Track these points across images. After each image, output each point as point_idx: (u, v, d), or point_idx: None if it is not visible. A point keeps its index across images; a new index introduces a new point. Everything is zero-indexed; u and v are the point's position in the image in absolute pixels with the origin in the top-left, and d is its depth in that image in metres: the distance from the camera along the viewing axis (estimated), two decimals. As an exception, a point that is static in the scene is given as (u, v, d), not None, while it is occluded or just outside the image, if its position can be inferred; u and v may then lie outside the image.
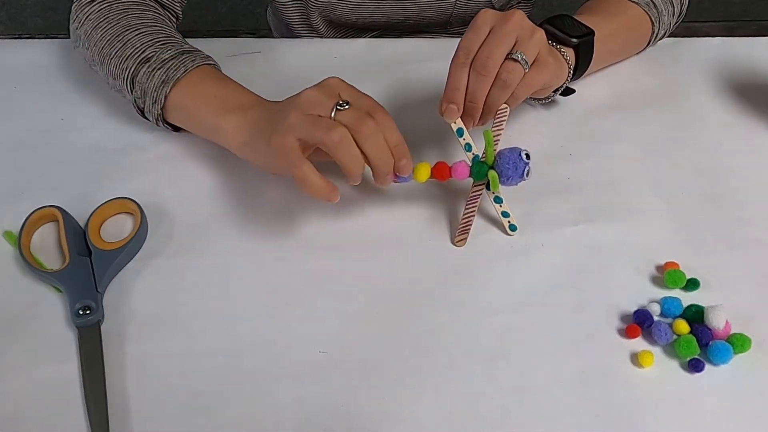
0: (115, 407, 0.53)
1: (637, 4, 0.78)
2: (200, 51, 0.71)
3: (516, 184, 0.63)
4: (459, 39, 0.63)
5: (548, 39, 0.68)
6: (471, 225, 0.64)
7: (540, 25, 0.70)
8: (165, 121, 0.70)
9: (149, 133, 0.73)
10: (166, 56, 0.68)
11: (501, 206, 0.65)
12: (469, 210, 0.64)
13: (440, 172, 0.63)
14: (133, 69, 0.68)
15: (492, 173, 0.62)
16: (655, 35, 0.81)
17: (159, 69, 0.67)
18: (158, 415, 0.53)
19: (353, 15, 0.90)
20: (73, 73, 0.81)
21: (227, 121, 0.65)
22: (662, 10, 0.80)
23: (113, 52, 0.70)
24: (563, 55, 0.70)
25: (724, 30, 2.09)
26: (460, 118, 0.63)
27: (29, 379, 0.55)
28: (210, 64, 0.70)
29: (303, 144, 0.58)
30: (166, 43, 0.69)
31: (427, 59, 0.82)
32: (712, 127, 0.76)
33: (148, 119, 0.71)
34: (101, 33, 0.71)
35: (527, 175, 0.62)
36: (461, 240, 0.64)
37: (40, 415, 0.53)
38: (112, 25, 0.71)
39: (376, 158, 0.58)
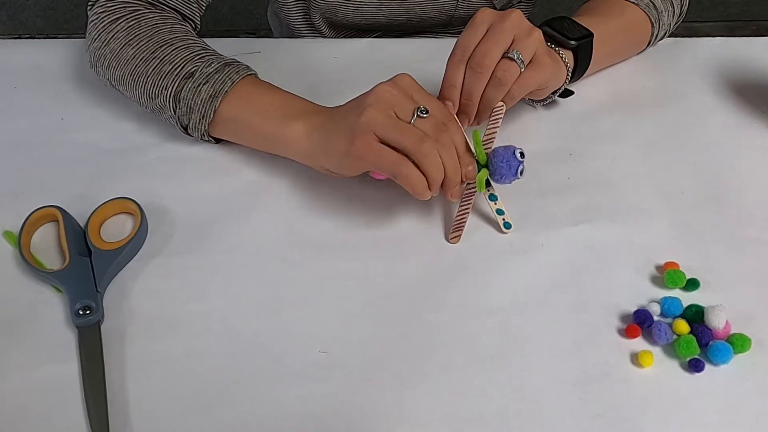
0: (115, 407, 0.53)
1: (636, 5, 0.78)
2: (240, 62, 0.70)
3: (510, 183, 0.63)
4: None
5: (547, 41, 0.68)
6: (465, 222, 0.64)
7: (539, 27, 0.70)
8: (209, 135, 0.70)
9: (149, 134, 0.73)
10: (210, 70, 0.67)
11: (496, 204, 0.65)
12: (464, 207, 0.64)
13: None
14: (175, 86, 0.67)
15: (482, 173, 0.62)
16: (654, 36, 0.81)
17: (205, 84, 0.66)
18: (158, 415, 0.53)
19: (356, 16, 0.90)
20: (73, 73, 0.81)
21: (291, 128, 0.64)
22: (662, 11, 0.80)
23: (149, 71, 0.68)
24: (561, 57, 0.70)
25: (723, 30, 2.09)
26: (455, 116, 0.63)
27: (29, 379, 0.55)
28: (253, 74, 0.69)
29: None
30: (205, 57, 0.68)
31: (429, 59, 0.82)
32: (712, 127, 0.76)
33: (191, 135, 0.70)
34: (134, 51, 0.69)
35: (521, 173, 0.62)
36: (455, 237, 0.64)
37: (40, 415, 0.53)
38: (145, 41, 0.69)
39: (451, 169, 0.59)
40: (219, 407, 0.53)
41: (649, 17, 0.79)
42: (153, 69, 0.68)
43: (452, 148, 0.59)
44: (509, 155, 0.62)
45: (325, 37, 0.95)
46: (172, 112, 0.68)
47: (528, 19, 0.64)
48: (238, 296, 0.60)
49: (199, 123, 0.68)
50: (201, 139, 0.70)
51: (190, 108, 0.67)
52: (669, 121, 0.76)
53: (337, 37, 0.95)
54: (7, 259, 0.63)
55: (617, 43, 0.79)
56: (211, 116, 0.67)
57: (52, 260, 0.63)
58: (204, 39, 0.77)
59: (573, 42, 0.71)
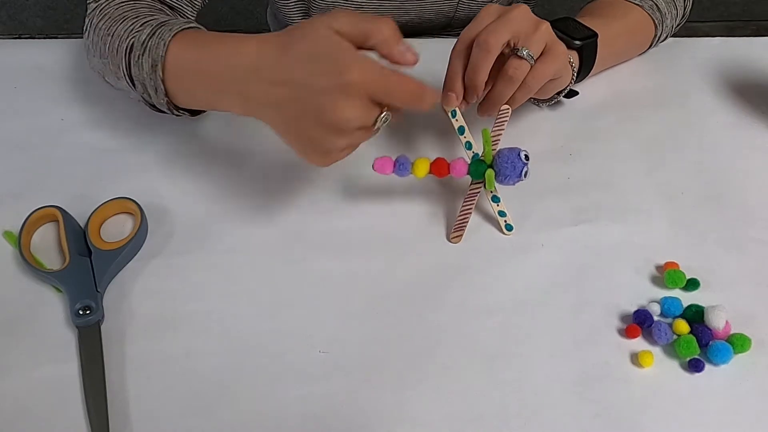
0: (115, 407, 0.53)
1: (640, 6, 0.78)
2: (179, 18, 0.65)
3: (513, 185, 0.63)
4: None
5: None
6: (467, 222, 0.64)
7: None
8: (180, 108, 0.64)
9: (149, 133, 0.73)
10: (144, 37, 0.61)
11: (498, 205, 0.65)
12: (466, 207, 0.64)
13: (439, 168, 0.63)
14: (125, 63, 0.63)
15: (489, 172, 0.62)
16: (657, 38, 0.81)
17: (143, 54, 0.61)
18: (158, 415, 0.53)
19: (355, 18, 0.90)
20: (73, 73, 0.81)
21: (224, 104, 0.59)
22: (665, 13, 0.80)
23: (107, 51, 0.65)
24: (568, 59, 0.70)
25: (724, 30, 2.09)
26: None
27: (29, 379, 0.55)
28: (189, 27, 0.62)
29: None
30: (145, 23, 0.63)
31: (428, 59, 0.81)
32: (712, 127, 0.76)
33: (165, 112, 0.66)
34: (102, 36, 0.67)
35: (525, 175, 0.62)
36: (456, 237, 0.64)
37: (40, 415, 0.53)
38: (109, 23, 0.67)
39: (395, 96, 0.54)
40: (219, 407, 0.53)
41: (653, 19, 0.79)
42: (108, 48, 0.65)
43: (377, 83, 0.53)
44: (514, 157, 0.62)
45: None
46: (136, 93, 0.65)
47: None
48: (238, 296, 0.60)
49: (156, 97, 0.63)
50: (174, 114, 0.65)
51: (143, 84, 0.62)
52: (669, 121, 0.76)
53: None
54: (7, 259, 0.63)
55: (621, 44, 0.79)
56: (162, 87, 0.61)
57: (52, 260, 0.63)
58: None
59: (577, 42, 0.71)
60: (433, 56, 0.82)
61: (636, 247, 0.64)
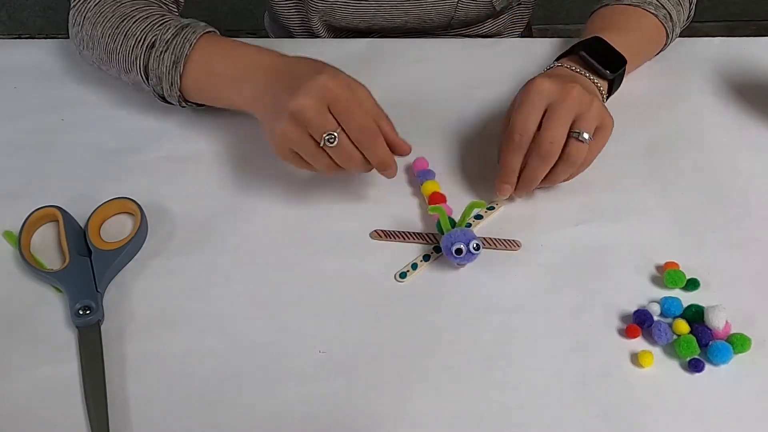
0: (115, 407, 0.53)
1: (654, 15, 0.77)
2: (198, 21, 0.70)
3: (451, 258, 0.60)
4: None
5: (584, 68, 0.67)
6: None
7: (576, 51, 0.68)
8: (187, 101, 0.70)
9: (149, 134, 0.73)
10: (168, 36, 0.67)
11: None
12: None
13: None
14: (143, 58, 0.68)
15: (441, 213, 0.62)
16: (666, 45, 0.81)
17: (166, 51, 0.67)
18: (158, 415, 0.53)
19: (354, 19, 0.90)
20: (73, 73, 0.81)
21: (241, 95, 0.65)
22: (676, 22, 0.79)
23: (118, 47, 0.70)
24: (597, 87, 0.68)
25: (724, 30, 2.09)
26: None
27: (29, 379, 0.55)
28: (211, 31, 0.69)
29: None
30: (163, 23, 0.69)
31: (428, 59, 0.82)
32: (712, 127, 0.76)
33: (171, 103, 0.71)
34: (101, 30, 0.71)
35: (458, 262, 0.60)
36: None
37: (40, 415, 0.53)
38: (108, 18, 0.71)
39: (377, 161, 0.61)
40: (219, 407, 0.53)
41: (665, 28, 0.78)
42: (120, 44, 0.69)
43: (373, 152, 0.60)
44: (460, 238, 0.60)
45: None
46: (147, 85, 0.70)
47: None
48: (238, 296, 0.60)
49: (170, 90, 0.68)
50: (181, 105, 0.71)
51: (159, 78, 0.68)
52: (669, 120, 0.76)
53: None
54: (7, 259, 0.63)
55: (641, 59, 0.78)
56: (178, 82, 0.67)
57: (52, 260, 0.63)
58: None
59: (610, 73, 0.69)
60: (432, 56, 0.82)
61: (636, 247, 0.64)
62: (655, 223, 0.66)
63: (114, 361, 0.55)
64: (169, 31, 0.68)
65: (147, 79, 0.69)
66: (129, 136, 0.74)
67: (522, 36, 1.01)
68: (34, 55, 0.84)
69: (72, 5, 0.75)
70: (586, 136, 0.61)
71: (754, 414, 0.53)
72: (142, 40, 0.68)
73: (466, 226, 0.62)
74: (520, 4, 0.96)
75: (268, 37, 1.10)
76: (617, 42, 0.71)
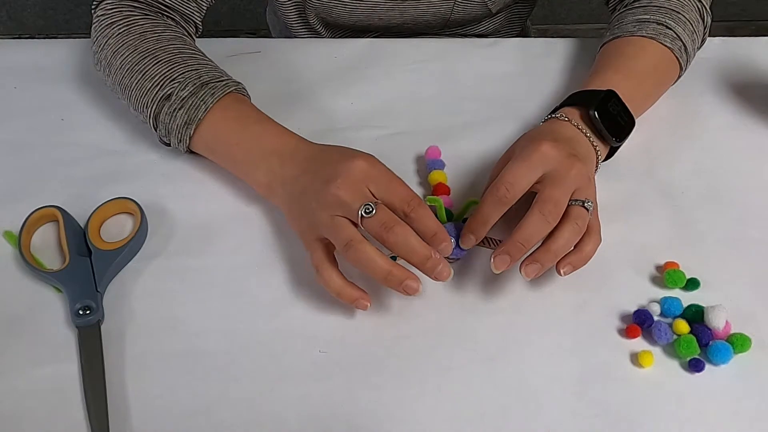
0: (115, 407, 0.53)
1: (670, 49, 0.73)
2: (222, 76, 0.68)
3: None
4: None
5: (590, 130, 0.64)
6: None
7: (587, 106, 0.64)
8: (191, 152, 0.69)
9: (150, 134, 0.73)
10: (185, 94, 0.65)
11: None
12: None
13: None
14: (155, 107, 0.67)
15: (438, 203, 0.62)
16: (677, 80, 0.78)
17: (180, 109, 0.65)
18: (158, 415, 0.53)
19: (350, 17, 0.90)
20: (73, 73, 0.81)
21: (253, 176, 0.64)
22: (691, 54, 0.76)
23: (133, 84, 0.68)
24: (595, 148, 0.64)
25: (724, 30, 2.08)
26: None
27: (29, 379, 0.55)
28: (231, 91, 0.67)
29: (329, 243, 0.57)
30: (184, 74, 0.66)
31: (428, 59, 0.82)
32: (712, 127, 0.76)
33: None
34: (120, 61, 0.69)
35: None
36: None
37: (40, 415, 0.53)
38: (131, 51, 0.69)
39: (408, 258, 0.55)
40: (219, 407, 0.53)
41: (680, 62, 0.75)
42: (136, 83, 0.68)
43: (406, 240, 0.54)
44: (450, 232, 0.59)
45: (322, 37, 0.95)
46: (155, 130, 0.68)
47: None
48: (238, 296, 0.60)
49: (178, 145, 0.68)
50: (186, 153, 0.70)
51: (168, 131, 0.67)
52: (669, 121, 0.76)
53: (334, 38, 0.95)
54: (7, 259, 0.63)
55: (650, 102, 0.75)
56: (187, 142, 0.67)
57: (52, 260, 0.63)
58: (204, 39, 0.77)
59: (616, 141, 0.66)
60: (431, 56, 0.82)
61: (636, 247, 0.64)
62: (655, 223, 0.66)
63: (114, 361, 0.55)
64: (188, 88, 0.66)
65: (155, 128, 0.68)
66: (129, 136, 0.74)
67: (519, 35, 1.01)
68: (34, 55, 0.84)
69: (95, 17, 0.73)
70: (588, 204, 0.57)
71: (754, 414, 0.53)
72: (158, 87, 0.66)
73: (462, 221, 0.62)
74: (518, 3, 0.96)
75: (269, 36, 1.10)
76: (628, 90, 0.67)
